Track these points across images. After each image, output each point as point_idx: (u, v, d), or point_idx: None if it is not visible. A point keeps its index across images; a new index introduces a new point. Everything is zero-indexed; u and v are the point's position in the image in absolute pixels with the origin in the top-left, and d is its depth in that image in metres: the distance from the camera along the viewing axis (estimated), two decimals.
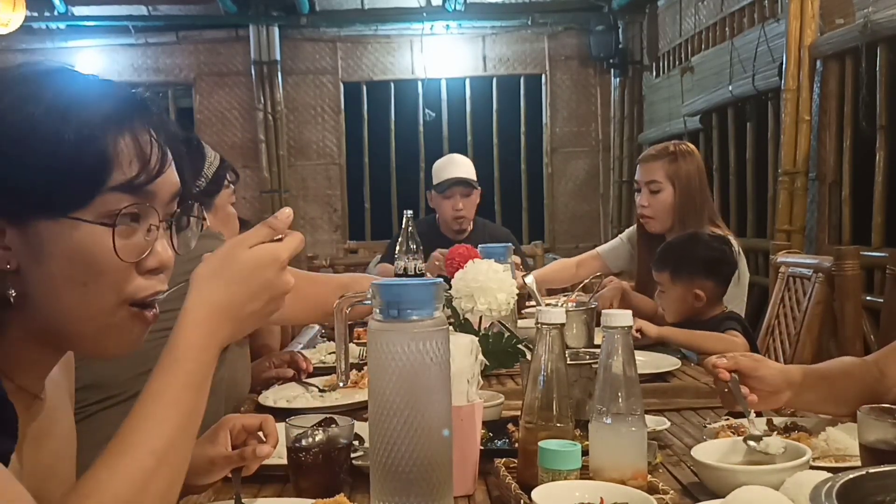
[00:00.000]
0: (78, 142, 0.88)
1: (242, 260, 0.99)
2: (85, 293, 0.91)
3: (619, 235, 3.42)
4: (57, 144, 0.88)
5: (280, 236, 1.02)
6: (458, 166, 3.91)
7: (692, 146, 3.10)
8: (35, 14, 6.16)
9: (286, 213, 1.03)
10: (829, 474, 1.01)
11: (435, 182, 3.90)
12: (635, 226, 3.21)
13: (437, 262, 3.11)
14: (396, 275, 2.95)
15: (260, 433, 1.23)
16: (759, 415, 1.59)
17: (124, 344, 0.97)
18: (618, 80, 6.80)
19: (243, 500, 1.23)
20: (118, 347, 0.97)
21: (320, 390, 1.96)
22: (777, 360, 2.87)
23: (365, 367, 1.92)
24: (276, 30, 6.69)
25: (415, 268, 2.87)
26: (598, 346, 1.45)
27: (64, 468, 1.07)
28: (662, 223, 2.97)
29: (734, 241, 2.81)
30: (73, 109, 0.90)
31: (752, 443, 1.30)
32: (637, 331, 2.28)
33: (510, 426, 1.44)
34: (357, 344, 2.37)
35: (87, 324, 0.93)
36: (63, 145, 0.88)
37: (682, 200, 2.92)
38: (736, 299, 2.73)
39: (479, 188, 3.92)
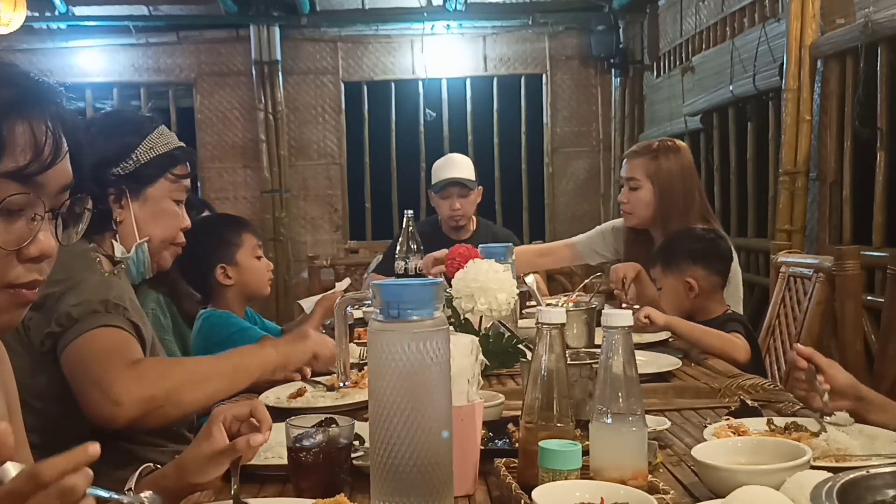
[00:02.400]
0: None
1: None
2: None
3: (600, 226, 3.36)
4: None
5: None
6: (456, 166, 3.91)
7: (681, 143, 3.06)
8: (36, 14, 6.15)
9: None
10: (829, 474, 1.01)
11: (433, 182, 3.91)
12: (620, 219, 3.21)
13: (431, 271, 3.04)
14: (396, 275, 2.95)
15: (252, 420, 1.23)
16: (759, 415, 1.59)
17: (2, 323, 0.98)
18: (618, 79, 6.80)
19: (245, 500, 1.23)
20: None
21: (327, 388, 1.95)
22: (777, 360, 2.88)
23: (365, 367, 1.92)
24: (277, 30, 6.69)
25: (415, 268, 2.87)
26: (598, 346, 1.46)
27: None
28: (640, 218, 2.97)
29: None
30: None
31: (827, 418, 1.46)
32: (646, 317, 2.28)
33: (510, 426, 1.44)
34: (357, 344, 2.37)
35: None
36: None
37: (663, 198, 2.90)
38: (731, 298, 2.72)
39: (480, 187, 3.91)
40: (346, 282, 2.98)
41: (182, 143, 1.89)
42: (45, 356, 1.59)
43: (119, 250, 1.77)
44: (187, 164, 1.86)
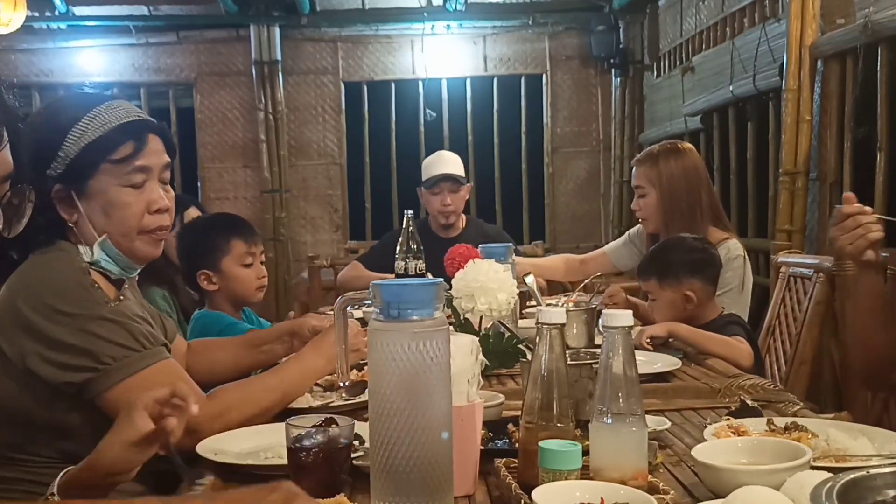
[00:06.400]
0: None
1: None
2: None
3: (627, 232, 3.41)
4: None
5: None
6: (446, 163, 3.96)
7: (685, 145, 3.05)
8: (36, 14, 6.15)
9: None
10: (830, 474, 1.01)
11: (423, 178, 3.94)
12: (639, 225, 3.22)
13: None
14: (397, 275, 2.95)
15: (175, 400, 1.21)
16: (759, 415, 1.59)
17: None
18: (618, 79, 6.80)
19: (200, 482, 1.23)
20: None
21: (324, 389, 1.95)
22: (777, 360, 2.87)
23: (365, 367, 1.91)
24: (277, 30, 6.68)
25: (415, 268, 2.87)
26: (598, 346, 1.46)
27: None
28: (654, 224, 2.98)
29: (740, 248, 2.78)
30: None
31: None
32: (648, 341, 2.26)
33: (510, 426, 1.44)
34: None
35: None
36: None
37: (666, 202, 2.90)
38: (738, 305, 2.72)
39: (469, 184, 3.98)
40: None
41: (133, 118, 1.61)
42: (57, 389, 1.51)
43: (86, 254, 1.61)
44: (133, 141, 1.59)
